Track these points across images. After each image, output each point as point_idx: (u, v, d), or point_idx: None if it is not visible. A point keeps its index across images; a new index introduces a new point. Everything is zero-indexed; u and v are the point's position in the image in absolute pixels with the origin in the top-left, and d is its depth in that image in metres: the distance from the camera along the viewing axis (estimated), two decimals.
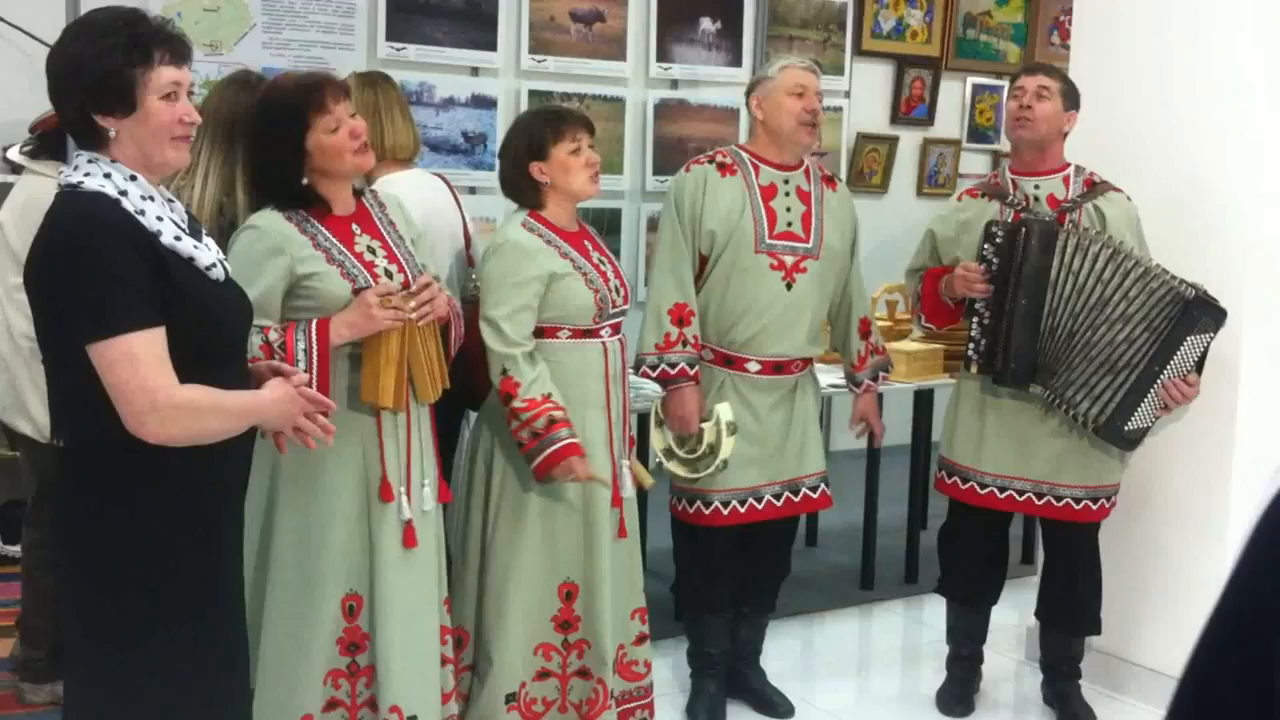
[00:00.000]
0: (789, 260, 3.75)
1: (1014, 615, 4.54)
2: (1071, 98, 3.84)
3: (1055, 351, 3.71)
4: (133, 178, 2.25)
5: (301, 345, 2.83)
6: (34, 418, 3.45)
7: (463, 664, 3.43)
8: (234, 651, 2.49)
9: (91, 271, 2.16)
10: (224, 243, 3.29)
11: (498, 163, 3.55)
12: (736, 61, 6.65)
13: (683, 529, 3.91)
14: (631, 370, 3.67)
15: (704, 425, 3.70)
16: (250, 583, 2.97)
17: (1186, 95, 4.03)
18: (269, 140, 2.95)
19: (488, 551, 3.44)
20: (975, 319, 3.78)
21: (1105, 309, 3.66)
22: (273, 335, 2.84)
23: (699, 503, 3.77)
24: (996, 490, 3.87)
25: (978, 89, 7.69)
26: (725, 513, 3.77)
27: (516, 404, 3.25)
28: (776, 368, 3.79)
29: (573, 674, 3.48)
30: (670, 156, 6.30)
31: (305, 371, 2.79)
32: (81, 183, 2.22)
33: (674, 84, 6.48)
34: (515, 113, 6.01)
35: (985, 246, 3.76)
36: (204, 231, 2.43)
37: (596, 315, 3.38)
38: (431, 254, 3.23)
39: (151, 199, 2.26)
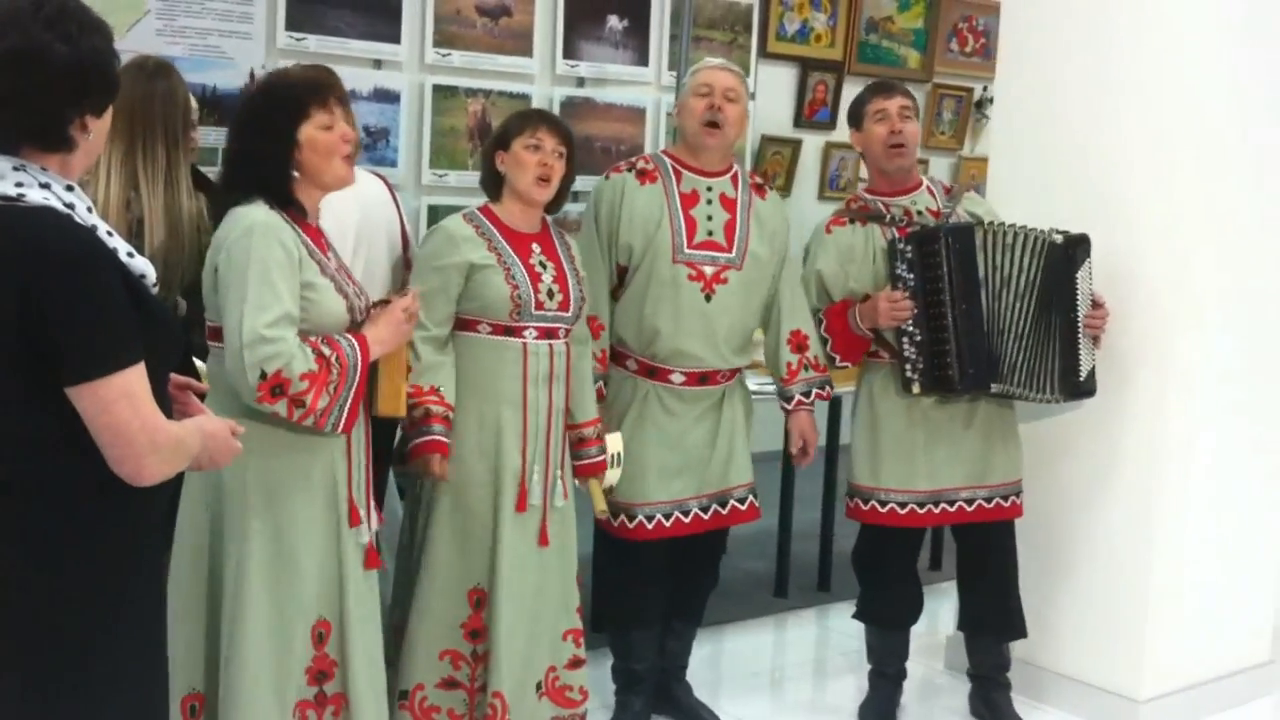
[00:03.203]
0: (708, 270, 3.65)
1: (924, 623, 4.50)
2: (916, 110, 3.89)
3: (1002, 347, 3.71)
4: (70, 188, 2.05)
5: (350, 360, 2.75)
6: None
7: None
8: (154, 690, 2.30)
9: (86, 305, 1.97)
10: (133, 244, 3.12)
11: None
12: (644, 60, 6.55)
13: (609, 542, 3.81)
14: None
15: None
16: (200, 617, 2.86)
17: (1111, 108, 4.04)
18: (264, 125, 2.81)
19: (411, 551, 3.40)
20: (906, 339, 3.71)
21: (1034, 293, 3.70)
22: (325, 349, 2.73)
23: (623, 516, 3.67)
24: (932, 506, 3.82)
25: None
26: (650, 526, 3.67)
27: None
28: (701, 379, 3.70)
29: (479, 688, 3.38)
30: (577, 155, 6.18)
31: (350, 386, 2.75)
32: (21, 195, 1.98)
33: (580, 82, 6.37)
34: (420, 107, 5.87)
35: (898, 265, 3.70)
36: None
37: (513, 312, 3.31)
38: (368, 255, 3.12)
39: (91, 210, 2.07)
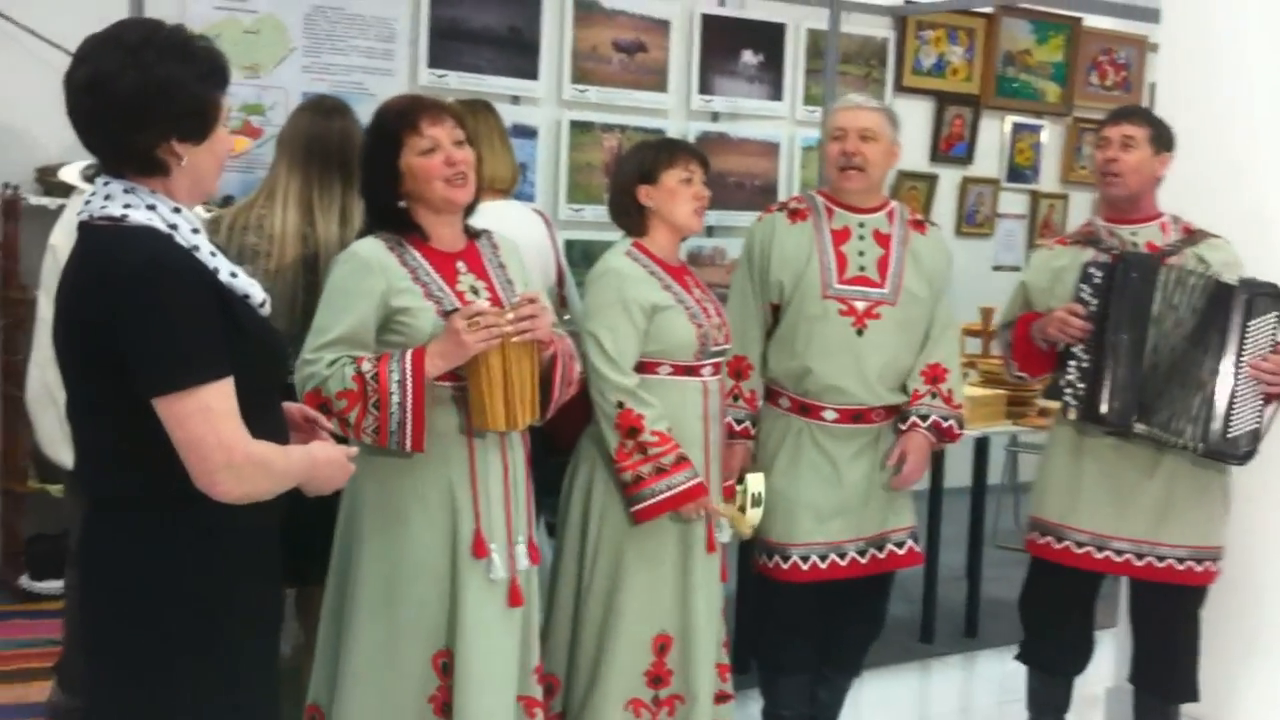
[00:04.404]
0: (860, 306, 3.55)
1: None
2: (1162, 141, 3.64)
3: (1157, 388, 3.52)
4: (176, 209, 2.09)
5: (396, 376, 2.66)
6: None
7: (553, 712, 3.25)
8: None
9: (165, 319, 2.00)
10: (308, 275, 3.15)
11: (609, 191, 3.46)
12: (777, 95, 6.52)
13: (758, 583, 3.72)
14: None
15: (738, 488, 3.51)
16: (330, 635, 2.83)
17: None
18: (368, 155, 2.87)
19: (582, 598, 3.27)
20: (1073, 363, 3.57)
21: (1203, 338, 3.49)
22: (366, 366, 2.67)
23: (777, 557, 3.57)
24: (1094, 550, 3.66)
25: (1017, 128, 7.56)
26: (805, 568, 3.56)
27: (647, 437, 3.14)
28: (855, 417, 3.59)
29: None
30: (710, 190, 6.14)
31: (400, 404, 2.65)
32: (125, 215, 2.04)
33: (715, 116, 6.34)
34: (556, 142, 5.90)
35: (1083, 288, 3.57)
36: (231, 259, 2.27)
37: (698, 351, 3.24)
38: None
39: (197, 231, 2.11)
